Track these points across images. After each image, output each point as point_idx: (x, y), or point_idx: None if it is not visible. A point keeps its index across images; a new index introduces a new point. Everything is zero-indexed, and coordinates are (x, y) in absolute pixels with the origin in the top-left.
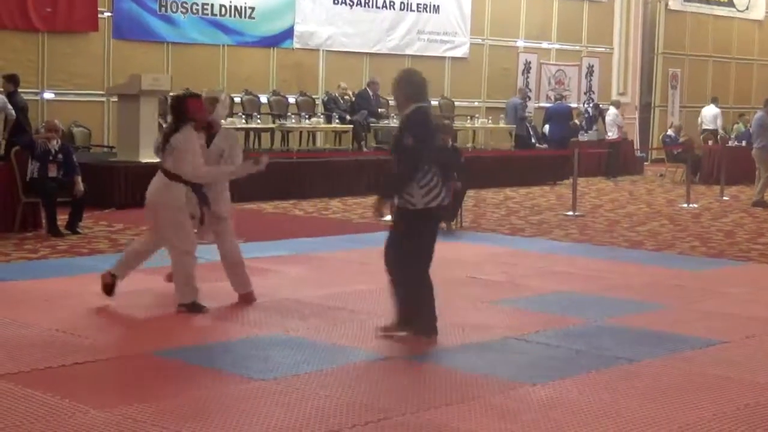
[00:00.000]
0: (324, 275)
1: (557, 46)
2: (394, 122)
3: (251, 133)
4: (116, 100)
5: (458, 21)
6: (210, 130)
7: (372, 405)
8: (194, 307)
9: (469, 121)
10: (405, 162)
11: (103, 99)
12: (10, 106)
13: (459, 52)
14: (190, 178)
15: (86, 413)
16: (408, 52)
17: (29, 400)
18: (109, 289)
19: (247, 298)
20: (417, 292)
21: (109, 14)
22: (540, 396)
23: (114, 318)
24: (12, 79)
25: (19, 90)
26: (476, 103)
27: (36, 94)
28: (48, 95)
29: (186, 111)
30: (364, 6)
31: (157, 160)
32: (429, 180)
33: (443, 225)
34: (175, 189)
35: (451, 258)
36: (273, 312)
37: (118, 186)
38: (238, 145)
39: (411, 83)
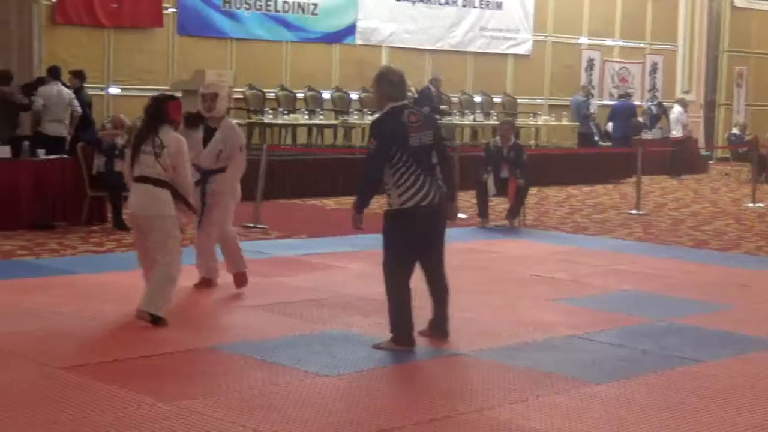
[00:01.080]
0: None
1: (621, 43)
2: (457, 119)
3: (314, 129)
4: (180, 95)
5: (521, 18)
6: (209, 125)
7: (435, 402)
8: (156, 322)
9: (531, 118)
10: (364, 166)
11: None
12: (76, 102)
13: (522, 49)
14: (180, 185)
15: (152, 405)
16: (470, 49)
17: (97, 392)
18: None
19: (240, 278)
20: (393, 298)
21: (174, 10)
22: (605, 395)
23: (178, 312)
24: (78, 75)
25: (85, 85)
26: (539, 101)
27: (102, 89)
28: (113, 90)
29: (166, 113)
30: (427, 2)
31: None
32: (405, 180)
33: (507, 222)
34: (165, 197)
35: (513, 256)
36: (335, 308)
37: None
38: (237, 142)
39: (390, 81)
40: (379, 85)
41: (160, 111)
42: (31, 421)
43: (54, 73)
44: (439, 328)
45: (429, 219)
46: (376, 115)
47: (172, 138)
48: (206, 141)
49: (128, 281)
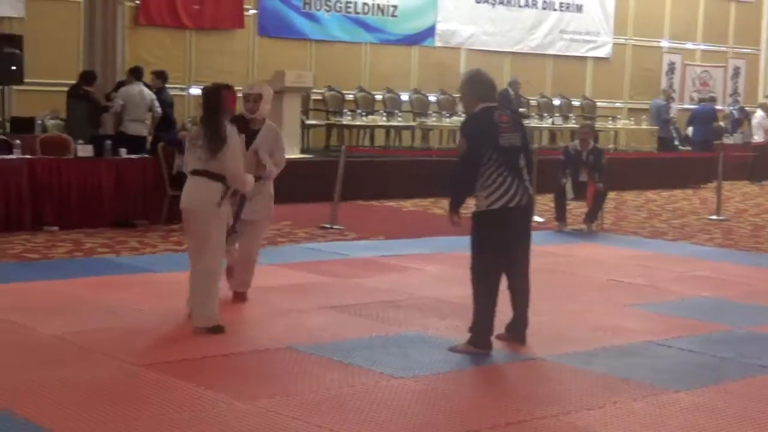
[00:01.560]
0: (464, 274)
1: (702, 46)
2: (535, 122)
3: (391, 131)
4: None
5: (601, 20)
6: (251, 127)
7: (511, 406)
8: (214, 330)
9: (611, 122)
10: (459, 167)
11: None
12: (157, 103)
13: (601, 52)
14: (234, 180)
15: (230, 404)
16: (550, 51)
17: (175, 390)
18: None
19: (242, 297)
20: (479, 300)
21: (255, 12)
22: (684, 403)
23: (254, 311)
24: (161, 76)
25: (167, 86)
26: (618, 104)
27: (183, 89)
28: (194, 91)
29: (224, 103)
30: (507, 4)
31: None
32: (493, 181)
33: (584, 226)
34: (214, 190)
35: (591, 260)
36: (412, 310)
37: None
38: (279, 142)
39: (482, 82)
40: (470, 85)
41: (218, 100)
42: (111, 417)
43: (136, 74)
44: (517, 332)
45: (516, 221)
46: (466, 116)
47: (229, 131)
48: (247, 145)
49: None
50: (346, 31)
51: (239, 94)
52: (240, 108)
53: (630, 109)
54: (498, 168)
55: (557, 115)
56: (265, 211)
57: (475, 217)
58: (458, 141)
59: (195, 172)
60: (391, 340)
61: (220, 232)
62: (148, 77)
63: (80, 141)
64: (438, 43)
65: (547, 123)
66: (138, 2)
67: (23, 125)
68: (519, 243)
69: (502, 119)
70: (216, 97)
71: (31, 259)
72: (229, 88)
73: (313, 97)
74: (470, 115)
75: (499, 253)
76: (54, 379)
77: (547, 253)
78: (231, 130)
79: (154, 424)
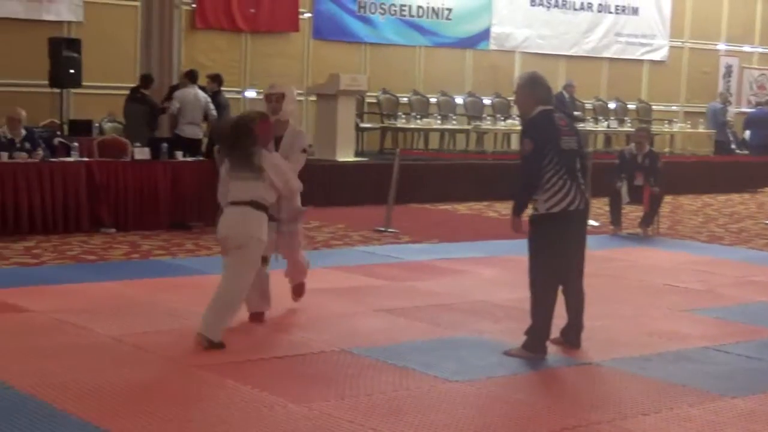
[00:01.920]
0: (518, 278)
1: (760, 49)
2: (590, 125)
3: (446, 134)
4: (314, 99)
5: (657, 23)
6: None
7: (566, 411)
8: (214, 345)
9: (666, 125)
10: (524, 170)
11: (302, 98)
12: (212, 106)
13: (657, 55)
14: (287, 193)
15: (284, 407)
16: (605, 54)
17: (231, 392)
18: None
19: (300, 290)
20: (537, 304)
21: (310, 15)
22: (741, 409)
23: (309, 314)
24: (216, 79)
25: (222, 89)
26: (674, 108)
27: (238, 93)
28: (250, 94)
29: (256, 136)
30: (562, 7)
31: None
32: (553, 184)
33: (640, 230)
34: (264, 222)
35: (647, 265)
36: (466, 313)
37: (315, 184)
38: (301, 143)
39: (542, 84)
40: (530, 87)
41: (251, 134)
42: (167, 418)
43: (191, 77)
44: (571, 336)
45: (575, 224)
46: (530, 116)
47: (264, 156)
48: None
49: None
50: (400, 34)
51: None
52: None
53: (686, 113)
54: (558, 171)
55: (612, 118)
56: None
57: (534, 220)
58: (521, 144)
59: (236, 203)
60: (445, 343)
61: (257, 257)
62: (203, 80)
63: (137, 144)
64: (492, 47)
65: (602, 126)
66: (194, 6)
67: (81, 128)
68: (576, 247)
69: (561, 123)
70: (246, 132)
71: (88, 260)
72: (263, 116)
73: (368, 100)
74: (532, 117)
75: (558, 257)
76: (111, 379)
77: (602, 257)
78: (267, 156)
79: (209, 425)
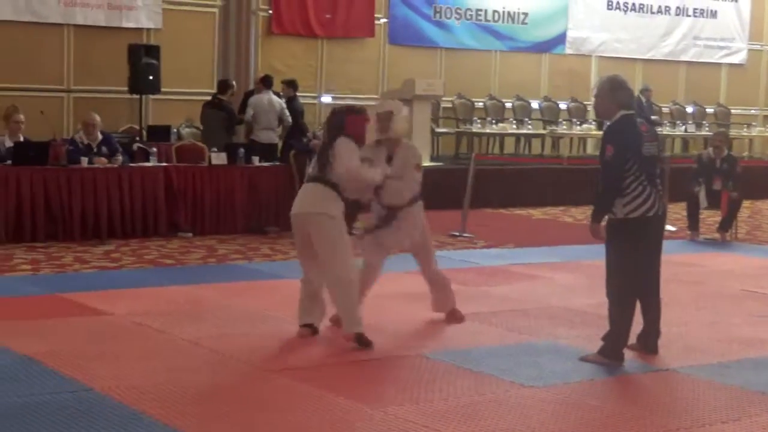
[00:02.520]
0: (594, 283)
1: None
2: (667, 130)
3: (521, 139)
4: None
5: (736, 26)
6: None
7: (643, 418)
8: (361, 340)
9: (745, 129)
10: (607, 176)
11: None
12: (287, 112)
13: (736, 59)
14: (345, 179)
15: (360, 411)
16: (683, 58)
17: (306, 396)
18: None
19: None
20: (616, 310)
21: (385, 20)
22: None
23: (384, 318)
24: (292, 84)
25: (298, 94)
26: (753, 111)
27: (314, 98)
28: (325, 99)
29: (343, 127)
30: (639, 11)
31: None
32: (633, 189)
33: (718, 235)
34: (331, 196)
35: (724, 270)
36: (542, 319)
37: None
38: (413, 159)
39: (624, 88)
40: (612, 92)
41: (338, 124)
42: (243, 422)
43: (266, 83)
44: (648, 342)
45: (653, 230)
46: (612, 121)
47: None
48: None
49: None
50: (476, 39)
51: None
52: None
53: (765, 116)
54: (638, 177)
55: (690, 122)
56: (407, 240)
57: (611, 225)
58: (603, 149)
59: (309, 178)
60: (521, 348)
61: (341, 232)
62: (278, 86)
63: (214, 149)
64: (569, 51)
65: (679, 131)
66: (271, 12)
67: (159, 133)
68: (654, 253)
69: (643, 128)
70: (339, 118)
71: (166, 264)
72: (359, 112)
73: (443, 105)
74: (614, 122)
75: (636, 263)
76: (188, 383)
77: (679, 262)
78: (343, 140)
79: (284, 429)
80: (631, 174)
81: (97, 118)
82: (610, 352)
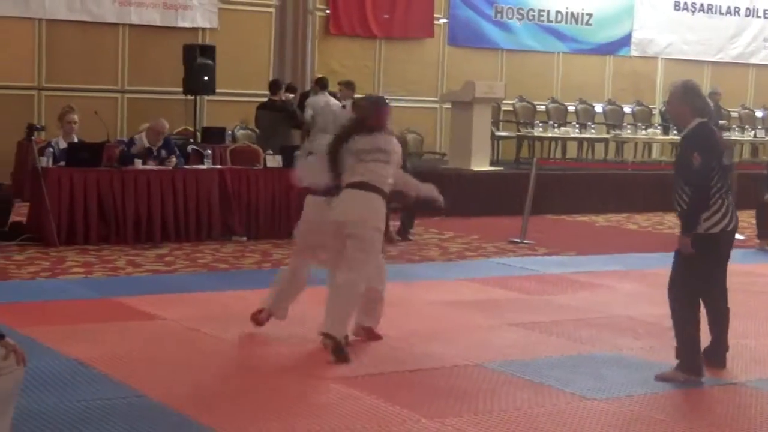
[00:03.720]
0: (659, 292)
1: None
2: (736, 134)
3: (585, 143)
4: (449, 106)
5: None
6: None
7: None
8: (339, 349)
9: None
10: (697, 185)
11: (436, 105)
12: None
13: None
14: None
15: (417, 422)
16: (752, 60)
17: (361, 404)
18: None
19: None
20: (684, 324)
21: (445, 21)
22: None
23: (442, 326)
24: (350, 86)
25: (356, 96)
26: None
27: None
28: None
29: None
30: (707, 11)
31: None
32: (714, 202)
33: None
34: (379, 205)
35: None
36: (604, 329)
37: (449, 194)
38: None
39: (699, 94)
40: (688, 97)
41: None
42: (296, 429)
43: (321, 84)
44: (716, 355)
45: (728, 244)
46: (691, 128)
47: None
48: None
49: (393, 293)
50: (538, 41)
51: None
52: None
53: None
54: (720, 189)
55: (760, 127)
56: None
57: (692, 240)
58: (690, 158)
59: (359, 185)
60: (583, 359)
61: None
62: (334, 87)
63: (269, 151)
64: (634, 53)
65: (748, 136)
66: (328, 12)
67: (214, 135)
68: (725, 266)
69: (719, 137)
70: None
71: (220, 269)
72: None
73: (504, 108)
74: (694, 130)
75: (707, 277)
76: (240, 388)
77: (748, 272)
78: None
79: None
80: (713, 186)
81: (166, 126)
82: (689, 367)
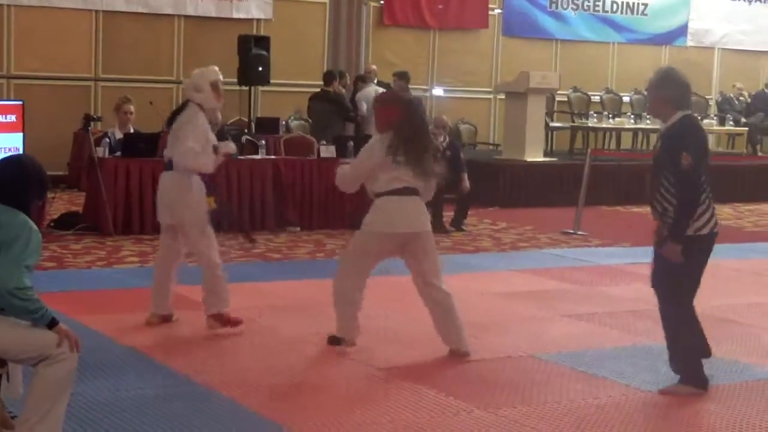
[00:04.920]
0: (713, 284)
1: None
2: None
3: (640, 134)
4: (503, 97)
5: None
6: None
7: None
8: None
9: None
10: (685, 188)
11: (490, 96)
12: None
13: None
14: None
15: (470, 413)
16: None
17: (415, 395)
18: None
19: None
20: (682, 331)
21: (500, 11)
22: None
23: (495, 318)
24: (404, 77)
25: (409, 87)
26: None
27: (425, 90)
28: (437, 92)
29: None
30: (764, 1)
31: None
32: (702, 202)
33: None
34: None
35: None
36: (659, 321)
37: (503, 184)
38: None
39: (678, 83)
40: (662, 87)
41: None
42: (350, 420)
43: (362, 78)
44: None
45: (711, 246)
46: (672, 122)
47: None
48: None
49: (453, 283)
50: (593, 31)
51: None
52: None
53: None
54: (705, 188)
55: None
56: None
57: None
58: (679, 156)
59: (408, 191)
60: (638, 351)
61: None
62: (388, 77)
63: (323, 142)
64: (690, 43)
65: None
66: (382, 2)
67: (268, 126)
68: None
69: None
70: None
71: (273, 259)
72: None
73: (558, 98)
74: (679, 125)
75: (695, 280)
76: (295, 379)
77: None
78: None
79: (392, 428)
80: (701, 185)
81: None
82: (693, 379)
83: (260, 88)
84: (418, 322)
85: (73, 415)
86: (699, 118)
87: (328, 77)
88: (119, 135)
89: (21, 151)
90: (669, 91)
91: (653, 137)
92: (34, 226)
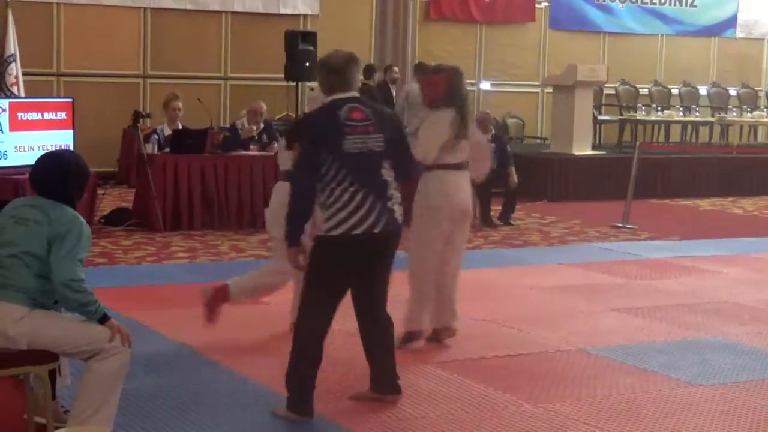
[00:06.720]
0: (765, 278)
1: None
2: None
3: (689, 126)
4: (551, 90)
5: None
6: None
7: None
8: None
9: None
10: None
11: (538, 90)
12: None
13: None
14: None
15: (519, 406)
16: None
17: (463, 389)
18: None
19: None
20: None
21: (546, 4)
22: None
23: (544, 311)
24: (419, 69)
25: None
26: None
27: (472, 84)
28: (484, 86)
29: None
30: None
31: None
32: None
33: None
34: None
35: None
36: (710, 314)
37: (551, 178)
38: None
39: (330, 69)
40: (318, 74)
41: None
42: (400, 414)
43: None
44: None
45: None
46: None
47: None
48: None
49: (493, 278)
50: (641, 23)
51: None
52: None
53: None
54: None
55: None
56: None
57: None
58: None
59: (461, 166)
60: (688, 344)
61: None
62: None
63: None
64: (739, 34)
65: None
66: None
67: None
68: None
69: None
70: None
71: None
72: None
73: (606, 91)
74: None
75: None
76: (344, 375)
77: None
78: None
79: (442, 422)
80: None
81: (264, 106)
82: None
83: (307, 83)
84: (464, 316)
85: (125, 409)
86: (748, 110)
87: (368, 71)
88: (168, 131)
89: (72, 149)
90: (325, 76)
91: (702, 130)
92: (84, 220)
